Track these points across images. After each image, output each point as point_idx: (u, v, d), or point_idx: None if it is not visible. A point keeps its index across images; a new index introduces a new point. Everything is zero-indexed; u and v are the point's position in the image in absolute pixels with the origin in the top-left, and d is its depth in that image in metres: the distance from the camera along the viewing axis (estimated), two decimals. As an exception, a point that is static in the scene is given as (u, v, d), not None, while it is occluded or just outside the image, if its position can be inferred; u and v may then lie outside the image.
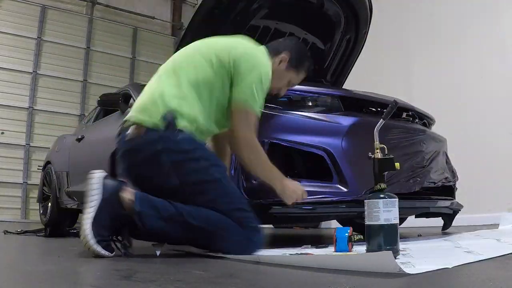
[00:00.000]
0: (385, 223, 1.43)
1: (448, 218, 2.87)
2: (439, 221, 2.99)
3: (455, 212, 2.79)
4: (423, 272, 1.09)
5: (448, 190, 2.71)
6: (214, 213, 1.61)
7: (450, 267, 1.19)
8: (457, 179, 2.79)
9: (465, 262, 1.29)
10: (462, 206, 2.79)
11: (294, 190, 1.81)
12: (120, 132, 1.74)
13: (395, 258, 1.32)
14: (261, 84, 1.73)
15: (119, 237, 1.62)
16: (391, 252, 1.08)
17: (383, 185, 1.49)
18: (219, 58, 1.75)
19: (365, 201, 1.49)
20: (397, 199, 1.48)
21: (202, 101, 1.71)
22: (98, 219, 1.53)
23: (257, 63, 1.76)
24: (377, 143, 1.54)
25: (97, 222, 1.53)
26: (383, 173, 1.51)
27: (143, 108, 1.71)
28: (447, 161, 2.72)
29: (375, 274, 1.10)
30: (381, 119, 1.59)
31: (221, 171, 1.73)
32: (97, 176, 1.60)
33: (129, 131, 1.67)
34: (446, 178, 2.57)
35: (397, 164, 1.52)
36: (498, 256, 1.46)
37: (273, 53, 1.90)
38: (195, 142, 1.68)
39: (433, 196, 2.57)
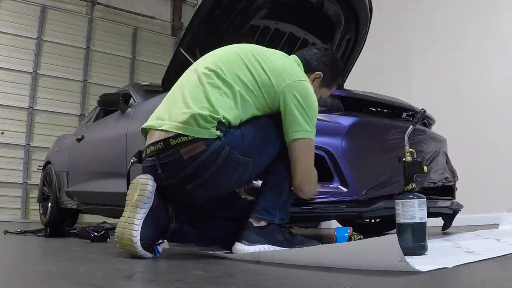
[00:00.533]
0: (420, 221, 1.54)
1: (448, 218, 2.87)
2: (439, 221, 2.99)
3: (455, 212, 2.79)
4: (423, 272, 1.09)
5: (448, 190, 2.71)
6: None
7: (450, 267, 1.19)
8: (457, 179, 2.79)
9: (465, 262, 1.29)
10: (462, 206, 2.79)
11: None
12: None
13: (423, 254, 1.48)
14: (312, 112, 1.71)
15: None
16: (395, 236, 1.09)
17: (413, 185, 1.60)
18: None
19: (398, 201, 1.59)
20: (424, 200, 1.58)
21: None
22: (144, 226, 1.55)
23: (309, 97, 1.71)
24: (407, 147, 1.66)
25: (143, 229, 1.54)
26: (412, 175, 1.62)
27: None
28: (447, 161, 2.72)
29: (375, 273, 1.10)
30: (411, 126, 1.75)
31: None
32: (151, 185, 1.58)
33: None
34: (446, 178, 2.58)
35: (425, 168, 1.64)
36: (498, 256, 1.46)
37: (307, 68, 1.84)
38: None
39: (433, 196, 2.57)
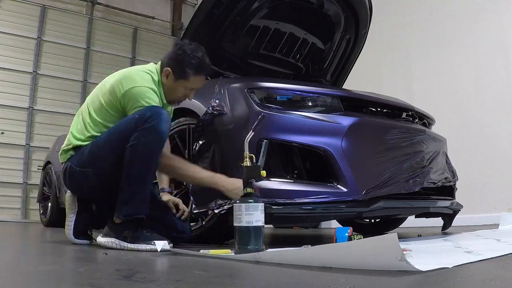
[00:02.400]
0: (246, 225, 1.55)
1: (448, 218, 2.88)
2: (439, 221, 2.99)
3: (455, 212, 2.79)
4: (423, 272, 1.09)
5: (448, 190, 2.71)
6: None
7: (450, 267, 1.19)
8: (457, 179, 2.79)
9: (465, 262, 1.29)
10: (462, 206, 2.79)
11: (237, 186, 1.90)
12: None
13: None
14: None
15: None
16: (395, 235, 1.09)
17: (249, 190, 1.62)
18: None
19: (234, 205, 1.62)
20: (261, 204, 1.59)
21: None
22: (76, 225, 2.16)
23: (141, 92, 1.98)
24: (247, 152, 1.68)
25: (75, 226, 2.16)
26: (250, 179, 1.63)
27: None
28: (447, 161, 2.72)
29: (375, 273, 1.10)
30: (251, 131, 1.77)
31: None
32: (71, 197, 2.15)
33: None
34: (446, 178, 2.58)
35: (263, 172, 1.66)
36: (498, 256, 1.46)
37: (162, 69, 2.09)
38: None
39: (433, 196, 2.58)
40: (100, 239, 1.94)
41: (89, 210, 2.18)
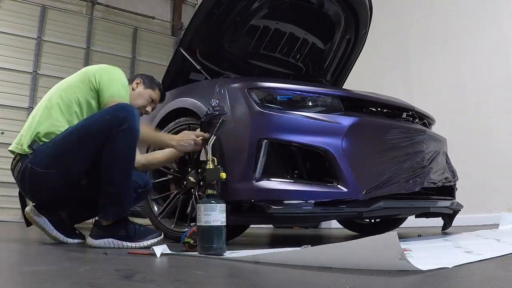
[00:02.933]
0: (204, 224, 1.62)
1: (448, 218, 2.87)
2: (439, 221, 2.99)
3: (455, 212, 2.79)
4: (423, 271, 1.09)
5: (448, 190, 2.71)
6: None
7: (450, 267, 1.19)
8: (457, 179, 2.79)
9: (465, 262, 1.29)
10: (462, 206, 2.79)
11: (187, 139, 2.10)
12: None
13: (220, 256, 1.55)
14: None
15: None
16: (395, 234, 1.09)
17: (210, 191, 1.68)
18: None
19: (196, 205, 1.69)
20: (219, 205, 1.64)
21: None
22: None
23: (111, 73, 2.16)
24: (209, 155, 1.77)
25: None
26: (212, 181, 1.70)
27: None
28: (447, 161, 2.72)
29: (375, 273, 1.10)
30: (213, 135, 1.89)
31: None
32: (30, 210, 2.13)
33: None
34: (446, 178, 2.57)
35: (222, 174, 1.72)
36: (498, 256, 1.46)
37: (130, 81, 2.30)
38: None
39: (433, 196, 2.57)
40: (94, 241, 1.94)
41: (57, 213, 2.15)
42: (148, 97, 2.32)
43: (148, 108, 2.35)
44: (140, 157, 2.33)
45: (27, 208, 2.12)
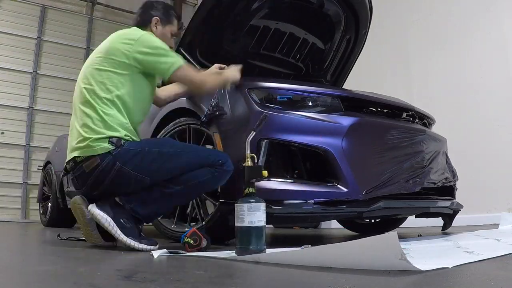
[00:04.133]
0: (249, 225, 1.56)
1: (448, 218, 2.88)
2: (439, 221, 2.99)
3: (455, 212, 2.79)
4: (423, 271, 1.09)
5: (448, 190, 2.71)
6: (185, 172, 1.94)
7: (450, 267, 1.19)
8: (457, 179, 2.79)
9: (465, 262, 1.29)
10: (462, 206, 2.79)
11: (231, 72, 2.13)
12: None
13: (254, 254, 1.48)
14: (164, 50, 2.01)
15: None
16: (395, 234, 1.09)
17: (251, 190, 1.63)
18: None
19: (235, 204, 1.62)
20: (262, 204, 1.60)
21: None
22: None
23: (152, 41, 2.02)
24: (248, 152, 1.69)
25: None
26: (252, 179, 1.65)
27: None
28: (447, 161, 2.72)
29: (375, 273, 1.10)
30: (252, 131, 1.77)
31: (169, 146, 1.99)
32: (85, 206, 1.92)
33: None
34: (446, 178, 2.57)
35: (264, 172, 1.67)
36: (498, 256, 1.46)
37: (146, 24, 2.18)
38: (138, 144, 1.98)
39: (433, 196, 2.58)
40: (95, 210, 1.83)
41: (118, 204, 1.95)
42: (169, 35, 2.23)
43: (172, 44, 2.26)
44: (161, 93, 2.36)
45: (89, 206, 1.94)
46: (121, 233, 1.82)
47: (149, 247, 1.83)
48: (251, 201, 1.59)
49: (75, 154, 1.94)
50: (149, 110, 2.20)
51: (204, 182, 1.94)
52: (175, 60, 2.01)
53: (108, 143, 1.88)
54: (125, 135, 1.94)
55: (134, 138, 2.00)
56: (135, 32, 2.05)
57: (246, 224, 1.56)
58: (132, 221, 1.88)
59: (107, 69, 1.98)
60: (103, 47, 2.05)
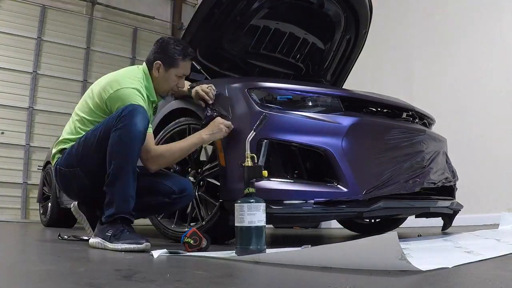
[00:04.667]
0: (248, 225, 1.56)
1: (448, 218, 2.88)
2: (439, 221, 2.99)
3: (455, 212, 2.79)
4: (423, 271, 1.09)
5: (448, 190, 2.71)
6: None
7: (450, 267, 1.19)
8: (457, 179, 2.79)
9: (465, 262, 1.29)
10: (462, 206, 2.79)
11: (217, 125, 2.08)
12: None
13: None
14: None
15: None
16: (395, 234, 1.09)
17: (251, 190, 1.62)
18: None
19: (235, 204, 1.60)
20: (262, 204, 1.59)
21: None
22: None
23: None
24: (248, 152, 1.68)
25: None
26: (252, 179, 1.64)
27: None
28: (447, 161, 2.72)
29: (375, 273, 1.10)
30: (252, 131, 1.76)
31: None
32: (74, 207, 2.16)
33: None
34: (446, 178, 2.57)
35: (264, 172, 1.66)
36: (498, 256, 1.46)
37: (150, 66, 2.20)
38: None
39: (433, 196, 2.57)
40: (91, 239, 1.96)
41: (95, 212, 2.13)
42: (173, 77, 2.19)
43: (180, 84, 2.24)
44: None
45: (72, 204, 2.21)
46: (92, 233, 2.00)
47: (120, 246, 1.86)
48: (251, 201, 1.58)
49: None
50: None
51: (111, 148, 1.91)
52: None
53: (59, 153, 2.15)
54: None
55: None
56: (115, 84, 2.08)
57: (246, 224, 1.56)
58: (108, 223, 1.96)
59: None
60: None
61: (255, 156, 1.71)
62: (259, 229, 1.57)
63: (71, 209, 2.20)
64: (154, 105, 2.29)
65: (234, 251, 1.61)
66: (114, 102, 2.04)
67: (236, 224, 1.60)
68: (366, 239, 1.14)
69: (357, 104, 2.31)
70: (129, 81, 2.08)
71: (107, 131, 1.95)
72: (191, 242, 1.74)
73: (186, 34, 2.65)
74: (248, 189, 1.63)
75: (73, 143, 2.12)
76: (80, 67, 7.15)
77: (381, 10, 3.69)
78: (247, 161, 1.68)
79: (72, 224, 4.25)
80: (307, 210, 1.99)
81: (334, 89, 2.65)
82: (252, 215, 1.56)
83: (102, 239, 1.87)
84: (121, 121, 1.90)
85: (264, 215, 1.60)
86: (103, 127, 1.99)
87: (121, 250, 1.78)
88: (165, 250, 1.68)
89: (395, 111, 2.48)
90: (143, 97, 2.09)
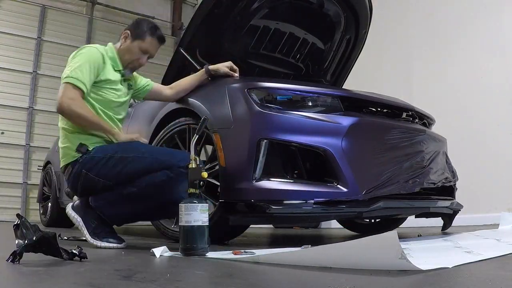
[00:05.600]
0: (186, 224, 1.60)
1: (448, 218, 2.87)
2: (439, 221, 2.99)
3: (455, 212, 2.79)
4: (423, 271, 1.09)
5: (448, 190, 2.71)
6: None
7: (450, 267, 1.19)
8: (457, 179, 2.79)
9: (465, 262, 1.29)
10: (462, 206, 2.79)
11: (116, 132, 2.15)
12: None
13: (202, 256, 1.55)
14: (81, 65, 2.11)
15: None
16: (395, 233, 1.09)
17: (192, 190, 1.67)
18: None
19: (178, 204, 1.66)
20: (200, 204, 1.62)
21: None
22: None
23: (77, 54, 2.18)
24: (192, 154, 1.73)
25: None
26: (194, 180, 1.69)
27: None
28: (447, 161, 2.72)
29: (375, 273, 1.10)
30: (195, 134, 1.93)
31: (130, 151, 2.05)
32: (70, 210, 2.11)
33: None
34: (446, 178, 2.57)
35: (204, 174, 1.70)
36: (498, 256, 1.46)
37: (119, 38, 2.30)
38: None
39: (433, 196, 2.57)
40: (69, 209, 2.06)
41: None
42: (137, 50, 2.25)
43: (142, 60, 2.29)
44: (168, 91, 2.43)
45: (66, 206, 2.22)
46: (87, 233, 2.00)
47: (110, 244, 1.97)
48: (194, 201, 1.63)
49: (61, 162, 2.17)
50: (124, 110, 2.33)
51: (159, 184, 1.94)
52: (69, 74, 2.11)
53: (76, 151, 2.08)
54: (94, 142, 2.10)
55: (111, 140, 2.13)
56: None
57: (183, 223, 1.62)
58: (98, 221, 2.02)
59: None
60: None
61: (198, 158, 1.76)
62: (197, 228, 1.61)
63: (66, 211, 2.16)
64: (128, 83, 2.33)
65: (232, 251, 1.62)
66: (73, 56, 2.15)
67: (179, 224, 1.65)
68: (366, 238, 1.14)
69: (357, 104, 2.31)
70: (89, 45, 2.23)
71: (156, 166, 1.96)
72: None
73: (186, 34, 2.65)
74: (190, 190, 1.68)
75: (98, 145, 2.10)
76: (80, 67, 7.15)
77: (381, 10, 3.69)
78: (191, 163, 1.72)
79: (72, 224, 4.25)
80: (307, 210, 1.99)
81: (334, 89, 2.65)
82: (188, 215, 1.61)
83: (84, 223, 2.01)
84: (179, 174, 1.91)
85: (204, 215, 1.63)
86: (154, 156, 2.00)
87: (102, 247, 1.94)
88: (165, 249, 1.69)
89: (395, 111, 2.48)
90: (103, 55, 2.17)
